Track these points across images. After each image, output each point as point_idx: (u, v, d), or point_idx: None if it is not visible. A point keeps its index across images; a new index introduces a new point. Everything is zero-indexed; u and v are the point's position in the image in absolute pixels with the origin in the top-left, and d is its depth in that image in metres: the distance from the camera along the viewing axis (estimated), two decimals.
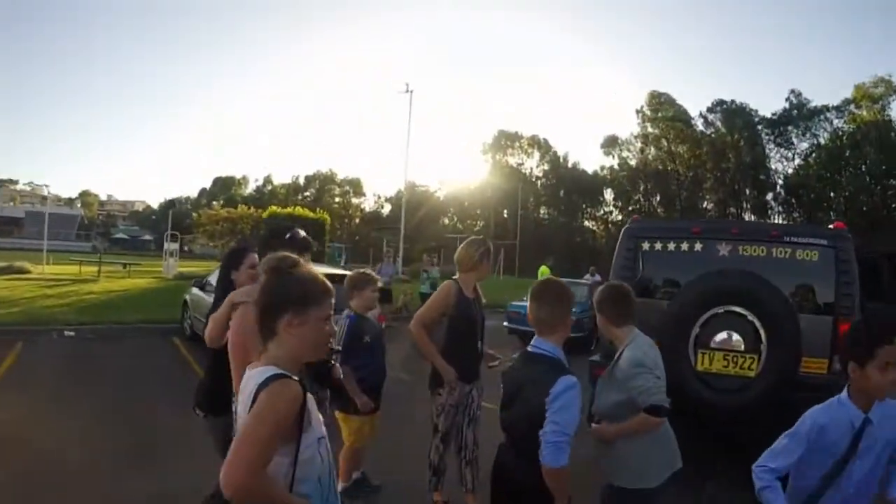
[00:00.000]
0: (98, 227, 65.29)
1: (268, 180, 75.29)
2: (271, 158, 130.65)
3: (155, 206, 75.56)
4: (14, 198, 59.95)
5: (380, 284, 4.03)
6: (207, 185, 77.89)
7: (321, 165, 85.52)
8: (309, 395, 1.48)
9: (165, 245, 21.05)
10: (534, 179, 59.12)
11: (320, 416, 1.58)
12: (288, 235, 2.45)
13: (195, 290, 8.67)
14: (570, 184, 56.12)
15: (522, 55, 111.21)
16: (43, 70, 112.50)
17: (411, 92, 24.99)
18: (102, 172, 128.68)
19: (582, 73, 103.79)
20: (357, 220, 65.61)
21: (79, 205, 72.97)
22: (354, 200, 71.00)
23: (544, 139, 60.32)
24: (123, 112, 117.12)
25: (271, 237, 2.49)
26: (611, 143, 53.78)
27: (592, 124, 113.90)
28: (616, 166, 54.00)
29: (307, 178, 72.73)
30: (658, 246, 4.69)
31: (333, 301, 1.56)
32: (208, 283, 7.86)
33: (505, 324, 11.13)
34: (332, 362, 2.50)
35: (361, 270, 3.95)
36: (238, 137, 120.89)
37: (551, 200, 58.63)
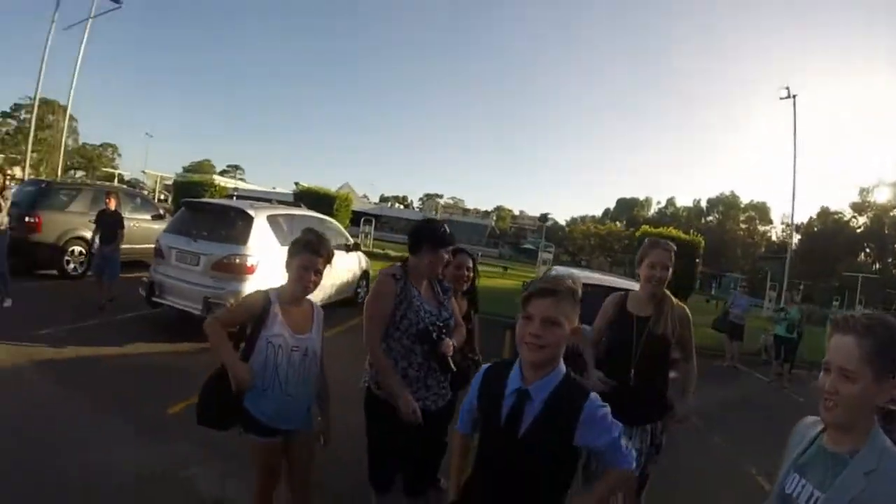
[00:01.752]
0: (508, 237, 73.41)
1: (670, 202, 76.66)
2: (675, 180, 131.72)
3: (562, 222, 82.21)
4: (437, 208, 70.74)
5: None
6: (612, 205, 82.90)
7: (725, 187, 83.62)
8: (274, 309, 2.29)
9: (540, 254, 25.18)
10: None
11: (282, 331, 2.28)
12: (441, 230, 2.67)
13: None
14: None
15: None
16: (466, 106, 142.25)
17: (794, 97, 21.83)
18: (518, 191, 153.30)
19: None
20: (762, 249, 62.07)
21: (494, 217, 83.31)
22: (761, 227, 67.14)
23: None
24: (540, 139, 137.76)
25: (417, 226, 2.76)
26: None
27: None
28: None
29: (710, 202, 71.92)
30: None
31: (314, 256, 2.32)
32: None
33: None
34: (441, 336, 2.58)
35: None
36: (645, 158, 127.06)
37: None
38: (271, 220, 7.10)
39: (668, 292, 2.90)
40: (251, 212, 6.87)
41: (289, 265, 2.37)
